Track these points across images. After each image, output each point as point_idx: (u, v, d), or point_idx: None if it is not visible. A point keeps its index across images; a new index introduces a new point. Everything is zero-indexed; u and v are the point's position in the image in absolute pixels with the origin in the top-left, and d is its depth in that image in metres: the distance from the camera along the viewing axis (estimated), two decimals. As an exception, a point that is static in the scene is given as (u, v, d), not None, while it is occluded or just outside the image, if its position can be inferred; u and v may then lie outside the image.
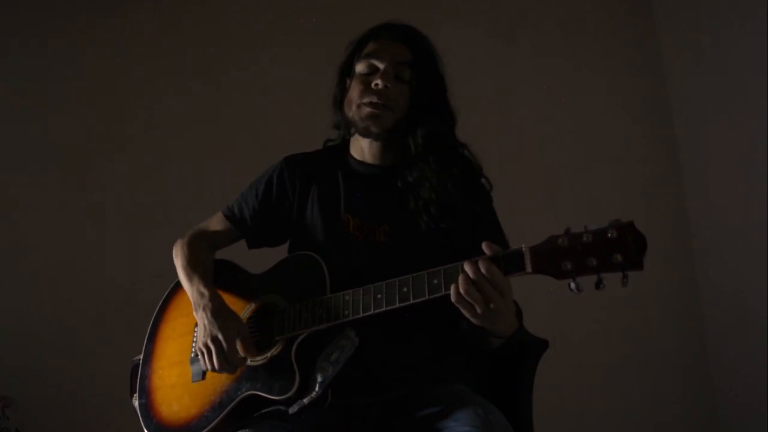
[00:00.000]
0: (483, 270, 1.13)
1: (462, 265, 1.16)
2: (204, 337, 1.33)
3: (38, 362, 2.45)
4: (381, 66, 1.44)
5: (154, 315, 1.56)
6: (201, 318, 1.37)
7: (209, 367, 1.33)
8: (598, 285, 1.07)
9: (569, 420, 2.63)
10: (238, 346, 1.31)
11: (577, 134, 2.95)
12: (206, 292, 1.40)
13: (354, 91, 1.46)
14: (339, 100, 1.53)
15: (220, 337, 1.30)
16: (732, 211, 2.71)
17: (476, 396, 1.31)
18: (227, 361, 1.30)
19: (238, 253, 1.60)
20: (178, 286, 1.56)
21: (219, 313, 1.35)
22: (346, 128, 1.56)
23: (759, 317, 2.55)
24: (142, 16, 2.76)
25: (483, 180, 1.50)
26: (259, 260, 1.53)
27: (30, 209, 2.58)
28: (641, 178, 2.95)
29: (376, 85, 1.42)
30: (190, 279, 1.47)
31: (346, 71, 1.52)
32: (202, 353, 1.33)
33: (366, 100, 1.42)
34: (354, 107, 1.45)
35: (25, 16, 2.67)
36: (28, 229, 2.56)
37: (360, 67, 1.47)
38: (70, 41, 2.70)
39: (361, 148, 1.53)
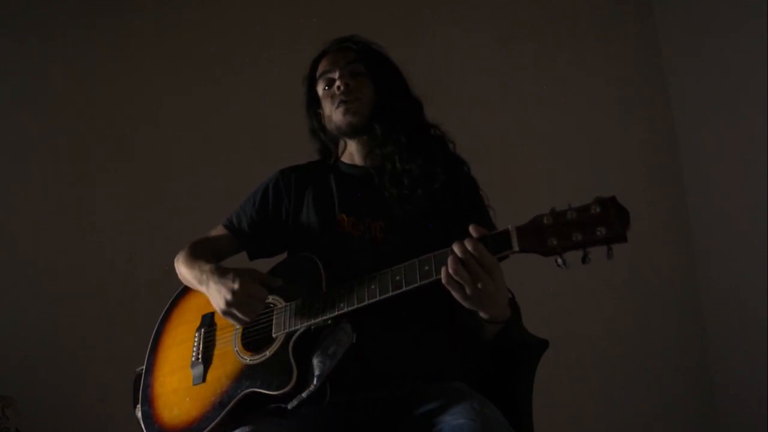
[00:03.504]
0: (470, 248, 1.16)
1: (451, 248, 1.18)
2: (222, 297, 1.35)
3: (38, 362, 2.45)
4: (335, 75, 1.55)
5: (156, 326, 1.57)
6: (210, 288, 1.40)
7: (242, 318, 1.35)
8: (584, 259, 1.10)
9: (569, 420, 2.62)
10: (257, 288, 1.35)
11: (577, 134, 2.95)
12: (207, 266, 1.44)
13: (326, 107, 1.58)
14: (318, 127, 1.64)
15: (236, 286, 1.34)
16: (732, 211, 2.71)
17: (474, 392, 1.32)
18: (254, 300, 1.34)
19: (238, 263, 1.60)
20: (177, 299, 1.59)
21: (226, 273, 1.38)
22: (334, 146, 1.65)
23: (759, 317, 2.55)
24: (142, 17, 2.76)
25: (457, 157, 1.55)
26: (259, 268, 1.53)
27: (31, 210, 2.58)
28: (642, 177, 2.95)
29: (338, 87, 1.53)
30: (191, 266, 1.50)
31: (312, 103, 1.64)
32: (229, 314, 1.36)
33: (336, 103, 1.53)
34: (333, 118, 1.55)
35: (25, 16, 2.68)
36: (28, 231, 2.56)
37: (320, 88, 1.59)
38: (70, 41, 2.70)
39: (351, 154, 1.60)
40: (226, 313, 1.36)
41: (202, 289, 1.44)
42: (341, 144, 1.64)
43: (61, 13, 2.70)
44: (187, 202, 2.57)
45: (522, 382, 1.44)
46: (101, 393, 2.40)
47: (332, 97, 1.54)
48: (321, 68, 1.59)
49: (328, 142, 1.65)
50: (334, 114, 1.54)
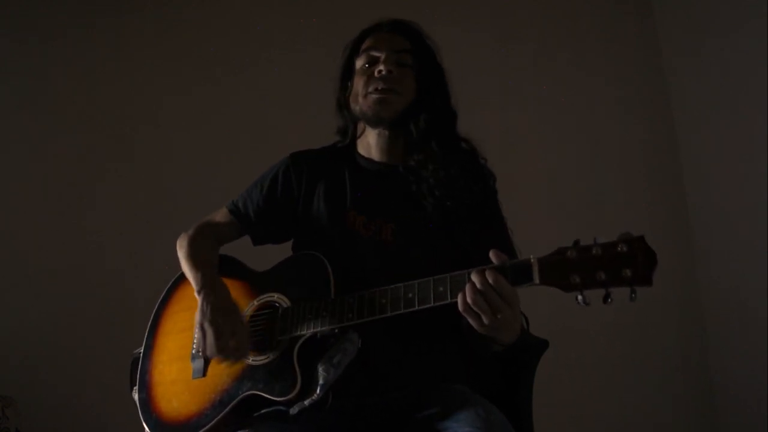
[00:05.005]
0: (491, 280, 1.12)
1: (469, 275, 1.15)
2: (200, 319, 1.33)
3: (38, 362, 2.45)
4: (381, 55, 1.46)
5: (155, 308, 1.55)
6: (200, 302, 1.37)
7: (202, 351, 1.33)
8: (606, 299, 1.06)
9: (569, 420, 2.62)
10: (232, 342, 1.31)
11: (577, 134, 2.95)
12: (209, 280, 1.41)
13: (358, 84, 1.47)
14: (343, 101, 1.53)
15: (211, 331, 1.31)
16: (732, 212, 2.71)
17: (477, 397, 1.30)
18: (218, 351, 1.30)
19: (240, 249, 1.59)
20: (179, 280, 1.55)
21: (218, 306, 1.35)
22: (353, 127, 1.55)
23: (759, 317, 2.55)
24: (142, 17, 2.76)
25: (487, 170, 1.49)
26: (262, 258, 1.52)
27: (31, 210, 2.58)
28: (641, 178, 2.95)
29: (380, 71, 1.43)
30: (193, 266, 1.46)
31: (346, 74, 1.53)
32: (201, 335, 1.33)
33: (371, 88, 1.44)
34: (360, 99, 1.46)
35: (25, 16, 2.68)
36: (28, 231, 2.56)
37: (360, 62, 1.49)
38: (70, 41, 2.70)
39: (368, 145, 1.52)
40: (199, 330, 1.34)
41: (197, 296, 1.41)
42: (360, 127, 1.54)
43: (61, 13, 2.70)
44: (187, 202, 2.56)
45: (522, 382, 1.43)
46: (101, 393, 2.40)
47: (369, 77, 1.44)
48: (368, 42, 1.49)
49: (348, 120, 1.54)
50: (363, 97, 1.45)
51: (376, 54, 1.46)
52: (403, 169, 1.46)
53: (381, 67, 1.44)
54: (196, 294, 1.41)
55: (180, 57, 2.76)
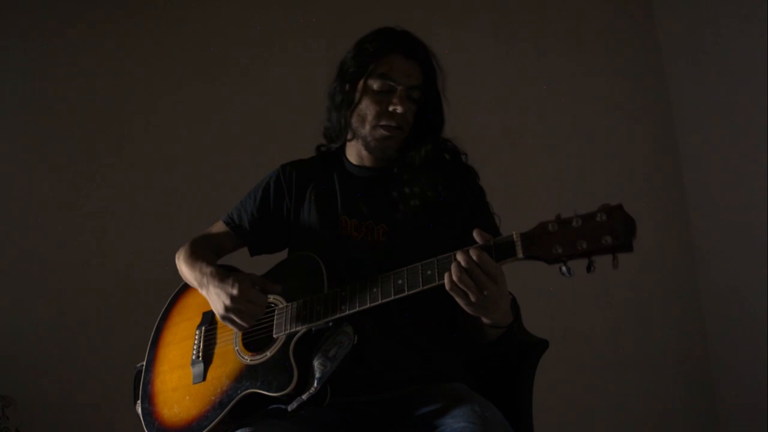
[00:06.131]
0: (474, 257, 1.15)
1: (454, 255, 1.17)
2: (221, 302, 1.35)
3: (38, 362, 2.46)
4: (397, 87, 1.45)
5: (157, 322, 1.58)
6: (210, 292, 1.39)
7: (240, 324, 1.34)
8: (589, 268, 1.09)
9: (569, 420, 2.63)
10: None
11: (577, 134, 2.95)
12: (208, 269, 1.43)
13: (369, 109, 1.46)
14: (345, 106, 1.50)
15: (235, 292, 1.33)
16: (732, 211, 2.71)
17: (475, 394, 1.31)
18: (252, 306, 1.33)
19: (239, 259, 1.61)
20: (178, 294, 1.59)
21: (226, 277, 1.38)
22: (344, 132, 1.55)
23: (759, 317, 2.55)
24: (142, 17, 2.76)
25: (470, 170, 1.53)
26: (259, 266, 1.53)
27: (30, 210, 2.58)
28: (641, 178, 2.95)
29: (395, 110, 1.44)
30: (192, 266, 1.49)
31: (353, 75, 1.49)
32: (228, 319, 1.35)
33: (384, 123, 1.45)
34: (368, 127, 1.47)
35: (25, 17, 2.68)
36: (28, 230, 2.56)
37: (374, 85, 1.46)
38: (70, 41, 2.70)
39: (359, 152, 1.55)
40: (224, 318, 1.36)
41: (203, 291, 1.44)
42: (350, 135, 1.54)
43: (61, 13, 2.70)
44: (187, 202, 2.57)
45: (522, 382, 1.44)
46: (101, 393, 2.40)
47: (381, 108, 1.45)
48: (386, 67, 1.45)
49: (342, 126, 1.53)
50: (370, 127, 1.46)
51: (393, 84, 1.45)
52: (394, 181, 1.49)
53: (397, 107, 1.44)
54: (201, 291, 1.44)
55: (180, 57, 2.76)
